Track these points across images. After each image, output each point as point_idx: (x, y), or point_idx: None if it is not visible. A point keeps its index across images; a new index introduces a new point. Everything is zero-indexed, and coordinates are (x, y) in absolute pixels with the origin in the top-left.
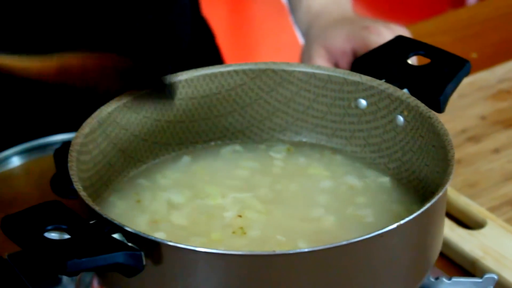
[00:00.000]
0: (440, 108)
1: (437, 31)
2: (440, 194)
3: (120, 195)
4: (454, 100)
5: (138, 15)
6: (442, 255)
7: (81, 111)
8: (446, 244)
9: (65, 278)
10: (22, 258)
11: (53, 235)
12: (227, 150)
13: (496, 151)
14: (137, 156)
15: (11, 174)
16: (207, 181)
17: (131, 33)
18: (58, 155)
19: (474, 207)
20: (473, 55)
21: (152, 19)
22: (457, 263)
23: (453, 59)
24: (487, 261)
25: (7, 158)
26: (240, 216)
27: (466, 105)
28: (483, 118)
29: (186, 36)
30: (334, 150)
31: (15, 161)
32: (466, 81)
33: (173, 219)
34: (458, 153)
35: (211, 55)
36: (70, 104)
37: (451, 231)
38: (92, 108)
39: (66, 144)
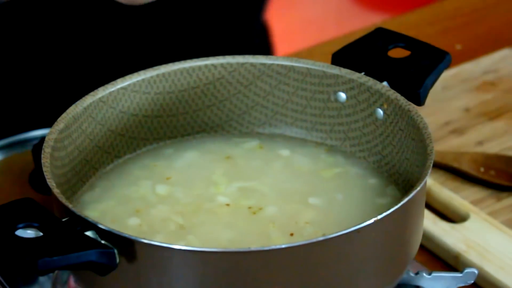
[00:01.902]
0: (420, 101)
1: (421, 22)
2: (418, 188)
3: (97, 191)
4: (438, 92)
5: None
6: (425, 249)
7: (61, 106)
8: (429, 238)
9: (41, 277)
10: None
11: (27, 233)
12: (207, 144)
13: (480, 143)
14: (114, 152)
15: None
16: (189, 174)
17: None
18: (36, 151)
19: (457, 200)
20: (457, 47)
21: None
22: (440, 257)
23: (433, 51)
24: (470, 255)
25: None
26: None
27: (450, 97)
28: (467, 110)
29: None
30: (317, 143)
31: None
32: (450, 72)
33: (154, 211)
34: (441, 146)
35: None
36: (49, 99)
37: (433, 225)
38: (71, 103)
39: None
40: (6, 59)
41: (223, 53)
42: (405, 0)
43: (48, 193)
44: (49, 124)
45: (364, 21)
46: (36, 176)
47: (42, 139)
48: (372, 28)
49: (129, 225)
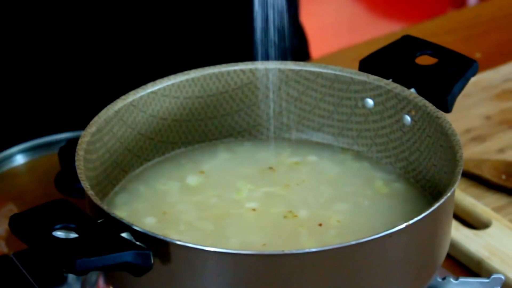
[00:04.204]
0: (447, 108)
1: (440, 31)
2: (449, 194)
3: (127, 193)
4: (459, 100)
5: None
6: (448, 255)
7: (86, 109)
8: (452, 244)
9: (70, 277)
10: (27, 257)
11: (61, 234)
12: (235, 148)
13: (501, 151)
14: (143, 155)
15: (15, 172)
16: (217, 177)
17: None
18: (62, 153)
19: (479, 207)
20: (476, 55)
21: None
22: (462, 263)
23: (460, 58)
24: (493, 261)
25: (11, 155)
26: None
27: (471, 105)
28: (487, 118)
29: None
30: (343, 149)
31: (20, 159)
32: (471, 80)
33: (182, 213)
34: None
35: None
36: (75, 102)
37: (456, 231)
38: (97, 106)
39: (71, 141)
40: (31, 62)
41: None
42: (418, 8)
43: (73, 195)
44: (74, 127)
45: (377, 30)
46: (61, 178)
47: (68, 141)
48: (390, 36)
49: (157, 227)
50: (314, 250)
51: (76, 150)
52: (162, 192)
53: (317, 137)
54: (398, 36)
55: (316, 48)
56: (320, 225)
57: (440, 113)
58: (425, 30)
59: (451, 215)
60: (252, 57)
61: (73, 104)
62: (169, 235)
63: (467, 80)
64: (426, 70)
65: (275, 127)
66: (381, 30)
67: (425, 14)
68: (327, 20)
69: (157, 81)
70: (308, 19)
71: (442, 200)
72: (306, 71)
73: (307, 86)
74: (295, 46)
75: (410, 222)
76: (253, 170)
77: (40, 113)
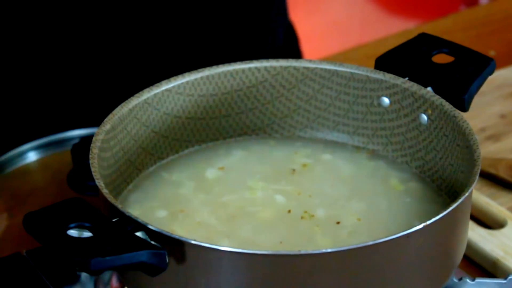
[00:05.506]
0: (464, 107)
1: (454, 28)
2: (467, 194)
3: (141, 192)
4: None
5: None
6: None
7: (98, 107)
8: (467, 244)
9: (84, 276)
10: (40, 255)
11: (76, 233)
12: (249, 146)
13: None
14: (157, 153)
15: (27, 169)
16: (231, 175)
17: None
18: (75, 151)
19: (494, 207)
20: (491, 53)
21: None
22: (477, 263)
23: (477, 57)
24: (508, 261)
25: (24, 153)
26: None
27: (485, 103)
28: (502, 116)
29: (279, 40)
30: (358, 148)
31: (32, 156)
32: None
33: (196, 212)
34: None
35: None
36: (87, 99)
37: (471, 231)
38: (110, 103)
39: (84, 139)
40: (45, 58)
41: (240, 55)
42: (430, 6)
43: (86, 193)
44: (87, 124)
45: (388, 27)
46: (74, 176)
47: (81, 139)
48: (403, 34)
49: (171, 226)
50: (330, 250)
51: (90, 148)
52: (176, 190)
53: (332, 135)
54: (412, 34)
55: (327, 45)
56: (338, 223)
57: (457, 112)
58: (438, 28)
59: (468, 215)
60: (262, 56)
61: (86, 101)
62: (183, 233)
63: (484, 79)
64: (442, 68)
65: (289, 125)
66: (393, 28)
67: (437, 12)
68: (338, 17)
69: (171, 79)
70: (319, 16)
71: (460, 200)
72: (321, 69)
73: (322, 84)
74: (284, 43)
75: (428, 222)
76: (268, 168)
77: (52, 110)
